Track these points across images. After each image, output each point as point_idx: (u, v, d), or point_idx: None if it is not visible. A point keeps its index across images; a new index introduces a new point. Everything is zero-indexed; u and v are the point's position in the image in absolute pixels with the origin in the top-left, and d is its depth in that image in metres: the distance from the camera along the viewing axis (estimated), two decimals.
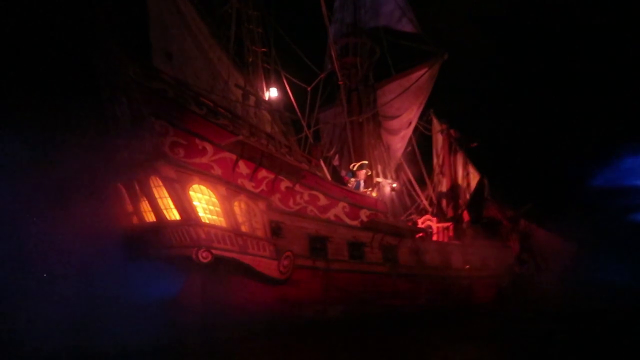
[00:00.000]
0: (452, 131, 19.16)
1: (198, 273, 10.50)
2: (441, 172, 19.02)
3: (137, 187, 9.90)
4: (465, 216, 16.75)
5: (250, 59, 12.49)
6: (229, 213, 9.80)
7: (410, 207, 17.99)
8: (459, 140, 18.98)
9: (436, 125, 19.93)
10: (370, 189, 13.87)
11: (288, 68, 14.62)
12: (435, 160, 19.71)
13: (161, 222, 9.75)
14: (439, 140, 19.63)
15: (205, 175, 9.68)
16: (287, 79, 13.61)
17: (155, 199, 9.64)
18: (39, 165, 9.68)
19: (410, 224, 17.34)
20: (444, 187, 18.96)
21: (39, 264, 9.67)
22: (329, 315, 11.36)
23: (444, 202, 18.89)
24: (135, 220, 10.31)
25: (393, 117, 14.85)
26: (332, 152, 15.56)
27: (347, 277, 11.68)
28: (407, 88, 14.00)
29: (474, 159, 18.89)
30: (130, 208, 10.31)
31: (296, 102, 14.94)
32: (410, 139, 18.04)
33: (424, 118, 20.01)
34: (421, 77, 14.18)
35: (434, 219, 16.76)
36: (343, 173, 13.81)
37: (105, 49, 8.81)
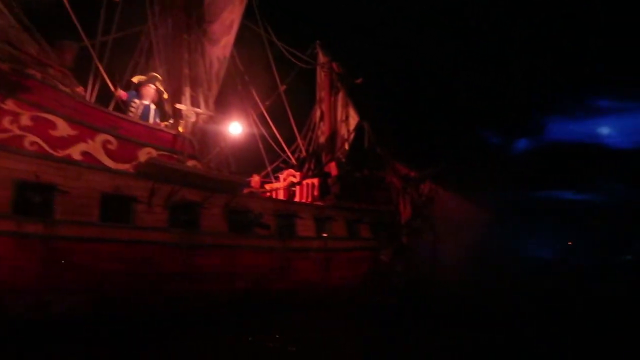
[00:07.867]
0: (334, 65, 14.90)
1: None
2: (321, 118, 14.83)
3: None
4: (334, 170, 12.68)
5: None
6: None
7: (277, 161, 13.85)
8: (341, 76, 14.77)
9: (321, 60, 15.66)
10: (172, 120, 9.49)
11: None
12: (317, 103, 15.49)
13: None
14: (322, 78, 15.38)
15: None
16: None
17: None
18: None
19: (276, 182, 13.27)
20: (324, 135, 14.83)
21: None
22: (55, 311, 7.06)
23: (324, 155, 14.79)
24: None
25: (215, 20, 10.44)
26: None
27: (94, 251, 7.36)
28: None
29: (360, 101, 14.72)
30: None
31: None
32: (282, 76, 13.79)
33: (308, 52, 15.72)
34: None
35: (298, 174, 12.65)
36: (120, 92, 9.35)
37: None
